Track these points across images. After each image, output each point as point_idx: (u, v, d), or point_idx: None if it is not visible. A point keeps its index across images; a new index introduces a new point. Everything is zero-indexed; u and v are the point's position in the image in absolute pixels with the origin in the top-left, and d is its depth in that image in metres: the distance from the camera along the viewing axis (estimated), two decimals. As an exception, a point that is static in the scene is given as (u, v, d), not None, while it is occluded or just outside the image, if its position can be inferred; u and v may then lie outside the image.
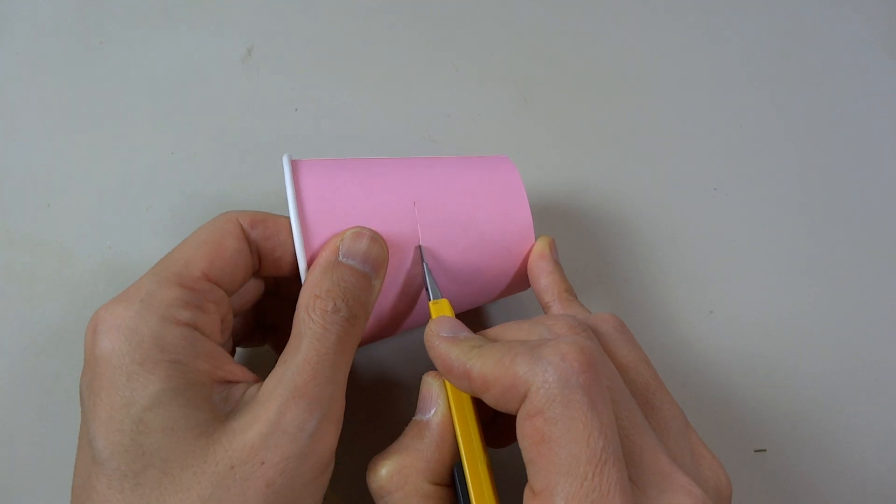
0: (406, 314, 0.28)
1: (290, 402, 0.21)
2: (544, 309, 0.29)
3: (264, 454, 0.20)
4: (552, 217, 0.38)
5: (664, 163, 0.41)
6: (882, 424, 0.34)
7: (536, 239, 0.29)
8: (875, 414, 0.34)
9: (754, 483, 0.32)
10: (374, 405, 0.32)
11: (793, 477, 0.32)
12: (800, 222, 0.39)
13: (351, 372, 0.33)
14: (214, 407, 0.21)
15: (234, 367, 0.23)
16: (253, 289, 0.28)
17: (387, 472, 0.22)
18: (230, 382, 0.22)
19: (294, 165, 0.26)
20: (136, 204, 0.37)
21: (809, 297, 0.37)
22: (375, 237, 0.25)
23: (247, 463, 0.20)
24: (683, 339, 0.35)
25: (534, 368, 0.19)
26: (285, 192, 0.31)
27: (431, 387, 0.24)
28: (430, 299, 0.26)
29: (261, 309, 0.30)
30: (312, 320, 0.23)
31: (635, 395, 0.22)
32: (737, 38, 0.47)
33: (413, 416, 0.24)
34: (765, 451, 0.33)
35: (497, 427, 0.25)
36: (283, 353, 0.23)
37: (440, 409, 0.23)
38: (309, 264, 0.25)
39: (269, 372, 0.23)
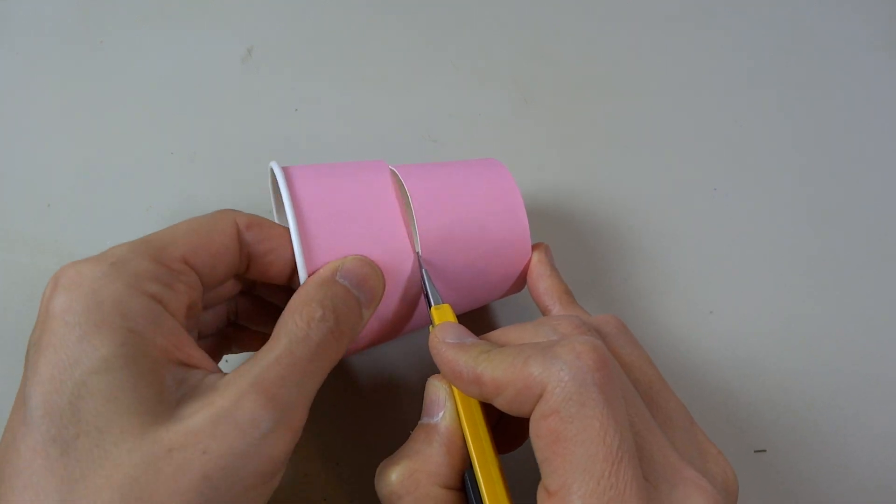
0: (405, 320, 0.28)
1: (248, 394, 0.20)
2: (543, 312, 0.29)
3: (208, 443, 0.19)
4: (552, 217, 0.38)
5: (664, 163, 0.41)
6: (882, 424, 0.34)
7: (532, 244, 0.29)
8: (875, 414, 0.34)
9: (754, 483, 0.32)
10: (375, 407, 0.32)
11: (793, 477, 0.32)
12: (800, 222, 0.39)
13: (351, 373, 0.33)
14: (166, 388, 0.20)
15: (194, 351, 0.22)
16: (229, 286, 0.27)
17: (397, 476, 0.22)
18: (188, 366, 0.21)
19: (287, 173, 0.26)
20: (136, 204, 0.37)
21: (809, 296, 0.37)
22: (375, 269, 0.25)
23: (187, 448, 0.18)
24: (683, 339, 0.35)
25: (549, 368, 0.19)
26: (274, 197, 0.32)
27: (439, 390, 0.24)
28: (430, 305, 0.26)
29: (233, 308, 0.29)
30: (296, 323, 0.22)
31: (640, 394, 0.22)
32: (737, 39, 0.47)
33: (418, 418, 0.24)
34: (765, 451, 0.33)
35: (500, 432, 0.25)
36: (257, 353, 0.22)
37: (448, 412, 0.23)
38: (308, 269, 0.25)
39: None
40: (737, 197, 0.40)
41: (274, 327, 0.22)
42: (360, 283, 0.24)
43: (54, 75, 0.41)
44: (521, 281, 0.30)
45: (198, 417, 0.19)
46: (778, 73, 0.45)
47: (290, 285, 0.27)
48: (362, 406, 0.32)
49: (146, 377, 0.19)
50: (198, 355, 0.22)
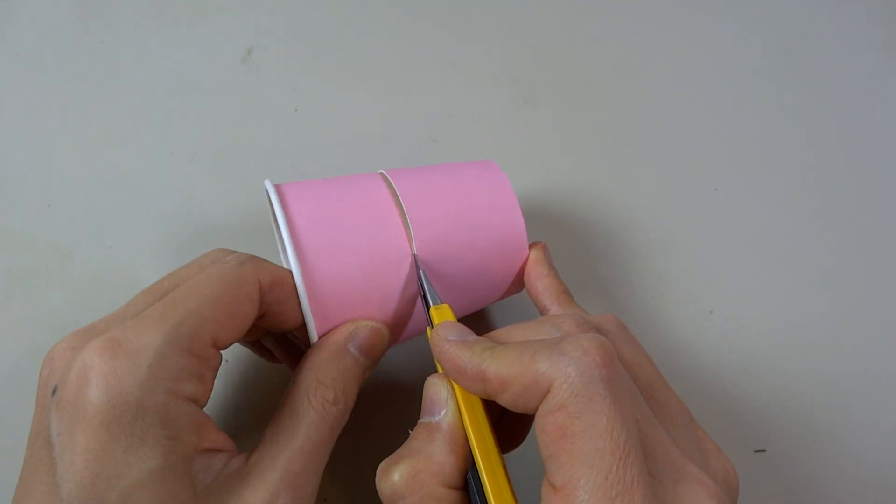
0: (403, 326, 0.28)
1: (280, 490, 0.21)
2: (541, 312, 0.29)
3: None
4: (552, 217, 0.38)
5: (664, 163, 0.41)
6: (882, 424, 0.34)
7: (529, 244, 0.29)
8: (875, 414, 0.34)
9: (754, 483, 0.32)
10: (374, 407, 0.32)
11: (793, 477, 0.32)
12: (800, 222, 0.39)
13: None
14: (195, 479, 0.21)
15: (217, 437, 0.22)
16: None
17: (400, 476, 0.22)
18: (212, 451, 0.22)
19: (279, 192, 0.26)
20: (136, 204, 0.37)
21: (809, 296, 0.37)
22: (384, 335, 0.26)
23: None
24: (683, 339, 0.35)
25: (556, 364, 0.19)
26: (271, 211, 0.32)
27: (440, 388, 0.24)
28: (428, 307, 0.26)
29: None
30: (312, 407, 0.23)
31: (641, 392, 0.22)
32: (737, 38, 0.47)
33: (417, 418, 0.24)
34: (764, 451, 0.33)
35: (501, 430, 0.25)
36: (274, 430, 0.23)
37: (450, 410, 0.23)
38: (319, 333, 0.25)
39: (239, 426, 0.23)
40: (737, 197, 0.40)
41: (286, 396, 0.24)
42: (369, 350, 0.26)
43: (54, 75, 0.41)
44: (519, 281, 0.30)
45: None
46: (778, 73, 0.45)
47: (299, 333, 0.28)
48: (361, 406, 0.32)
49: (184, 480, 0.20)
50: (219, 439, 0.22)
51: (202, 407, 0.22)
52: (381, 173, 0.29)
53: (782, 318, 0.36)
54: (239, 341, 0.30)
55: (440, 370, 0.24)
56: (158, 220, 0.36)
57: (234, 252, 0.26)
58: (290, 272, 0.25)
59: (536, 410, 0.20)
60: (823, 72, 0.46)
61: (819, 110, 0.44)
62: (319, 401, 0.23)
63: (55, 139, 0.39)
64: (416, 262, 0.26)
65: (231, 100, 0.41)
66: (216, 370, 0.23)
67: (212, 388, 0.23)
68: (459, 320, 0.25)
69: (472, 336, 0.24)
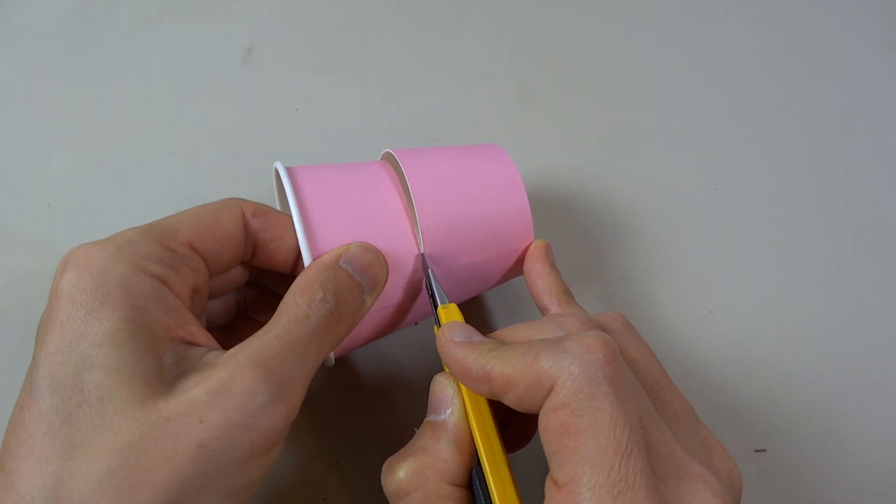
0: (406, 311, 0.28)
1: (246, 367, 0.20)
2: (542, 311, 0.29)
3: (205, 413, 0.19)
4: (552, 216, 0.38)
5: (664, 162, 0.41)
6: (881, 424, 0.34)
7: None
8: (874, 414, 0.34)
9: (754, 483, 0.32)
10: (376, 406, 0.32)
11: (793, 477, 0.32)
12: (800, 222, 0.39)
13: (351, 372, 0.33)
14: (166, 363, 0.21)
15: (196, 330, 0.22)
16: (236, 275, 0.28)
17: (405, 473, 0.22)
18: (189, 343, 0.22)
19: (290, 171, 0.27)
20: (135, 204, 0.37)
21: (809, 296, 0.37)
22: (379, 256, 0.25)
23: (184, 418, 0.19)
24: (683, 338, 0.35)
25: (559, 362, 0.19)
26: (279, 197, 0.32)
27: (446, 387, 0.24)
28: (436, 305, 0.26)
29: (242, 298, 0.30)
30: (297, 304, 0.22)
31: (645, 390, 0.23)
32: (737, 38, 0.47)
33: (419, 417, 0.24)
34: (764, 451, 0.33)
35: (506, 430, 0.25)
36: (258, 332, 0.22)
37: (456, 409, 0.23)
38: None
39: None
40: (737, 197, 0.40)
41: None
42: (364, 269, 0.25)
43: (54, 75, 0.41)
44: (520, 265, 0.30)
45: (196, 390, 0.20)
46: (778, 72, 0.45)
47: (294, 273, 0.28)
48: (363, 405, 0.32)
49: (148, 351, 0.20)
50: (200, 334, 0.22)
51: (181, 299, 0.23)
52: (389, 152, 0.29)
53: (782, 317, 0.36)
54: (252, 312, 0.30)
55: (447, 369, 0.24)
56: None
57: None
58: (279, 211, 0.27)
59: (540, 409, 0.20)
60: (825, 72, 0.46)
61: (820, 110, 0.44)
62: (306, 299, 0.22)
63: (55, 139, 0.39)
64: (424, 261, 0.26)
65: (231, 99, 0.41)
66: (198, 273, 0.24)
67: (197, 294, 0.24)
68: (462, 304, 0.25)
69: (477, 336, 0.24)
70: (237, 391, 0.20)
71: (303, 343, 0.22)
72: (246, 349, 0.21)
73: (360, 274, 0.25)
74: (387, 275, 0.26)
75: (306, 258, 0.24)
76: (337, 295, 0.23)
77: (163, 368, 0.20)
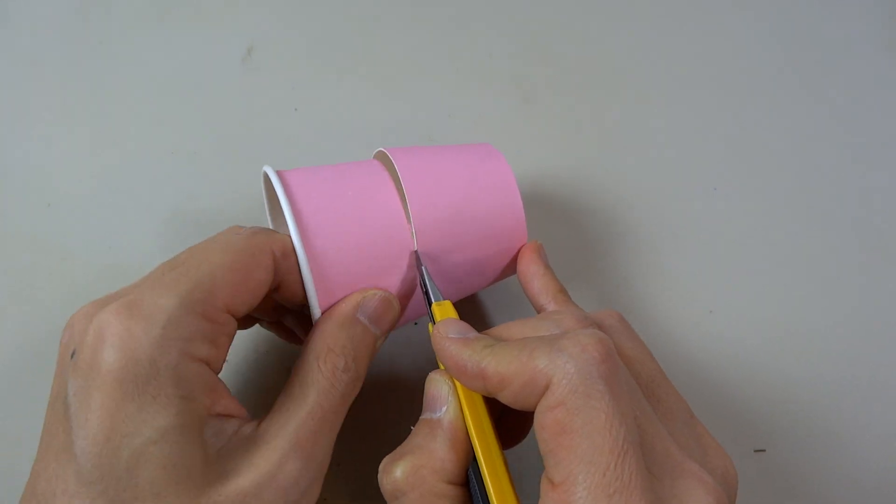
0: (402, 310, 0.28)
1: (289, 455, 0.21)
2: (538, 311, 0.29)
3: (253, 503, 0.20)
4: (551, 216, 0.38)
5: (664, 162, 0.41)
6: (881, 425, 0.34)
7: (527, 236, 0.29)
8: (875, 414, 0.34)
9: (754, 483, 0.32)
10: (374, 406, 0.32)
11: (792, 477, 0.32)
12: (800, 222, 0.39)
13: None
14: (206, 442, 0.21)
15: (229, 402, 0.22)
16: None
17: (402, 472, 0.22)
18: (224, 416, 0.22)
19: (282, 180, 0.26)
20: (136, 203, 0.37)
21: (809, 296, 0.37)
22: (394, 303, 0.26)
23: None
24: (683, 338, 0.35)
25: (555, 361, 0.19)
26: (267, 197, 0.31)
27: (441, 385, 0.24)
28: (430, 303, 0.26)
29: None
30: (322, 373, 0.23)
31: (641, 388, 0.22)
32: (737, 38, 0.47)
33: (417, 416, 0.24)
34: (764, 451, 0.33)
35: (501, 427, 0.25)
36: (284, 397, 0.23)
37: (451, 407, 0.23)
38: (321, 304, 0.25)
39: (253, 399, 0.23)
40: (737, 197, 0.40)
41: (296, 366, 0.24)
42: (378, 319, 0.25)
43: (54, 75, 0.41)
44: (514, 265, 0.30)
45: (244, 479, 0.21)
46: (778, 72, 0.45)
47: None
48: (362, 406, 0.32)
49: (195, 439, 0.20)
50: (231, 405, 0.23)
51: (216, 372, 0.23)
52: (382, 151, 0.29)
53: (782, 317, 0.36)
54: (262, 323, 0.30)
55: (442, 367, 0.24)
56: (158, 219, 0.36)
57: (248, 227, 0.26)
58: None
59: (536, 407, 0.20)
60: (825, 72, 0.46)
61: (820, 110, 0.44)
62: (329, 368, 0.23)
63: (55, 139, 0.39)
64: (417, 258, 0.26)
65: (231, 99, 0.41)
66: (230, 337, 0.23)
67: (226, 355, 0.23)
68: (457, 303, 0.25)
69: (472, 333, 0.24)
70: (282, 482, 0.21)
71: (333, 413, 0.23)
72: (283, 431, 0.22)
73: (374, 324, 0.25)
74: (398, 318, 0.27)
75: (315, 312, 0.25)
76: (357, 357, 0.24)
77: (207, 452, 0.21)
